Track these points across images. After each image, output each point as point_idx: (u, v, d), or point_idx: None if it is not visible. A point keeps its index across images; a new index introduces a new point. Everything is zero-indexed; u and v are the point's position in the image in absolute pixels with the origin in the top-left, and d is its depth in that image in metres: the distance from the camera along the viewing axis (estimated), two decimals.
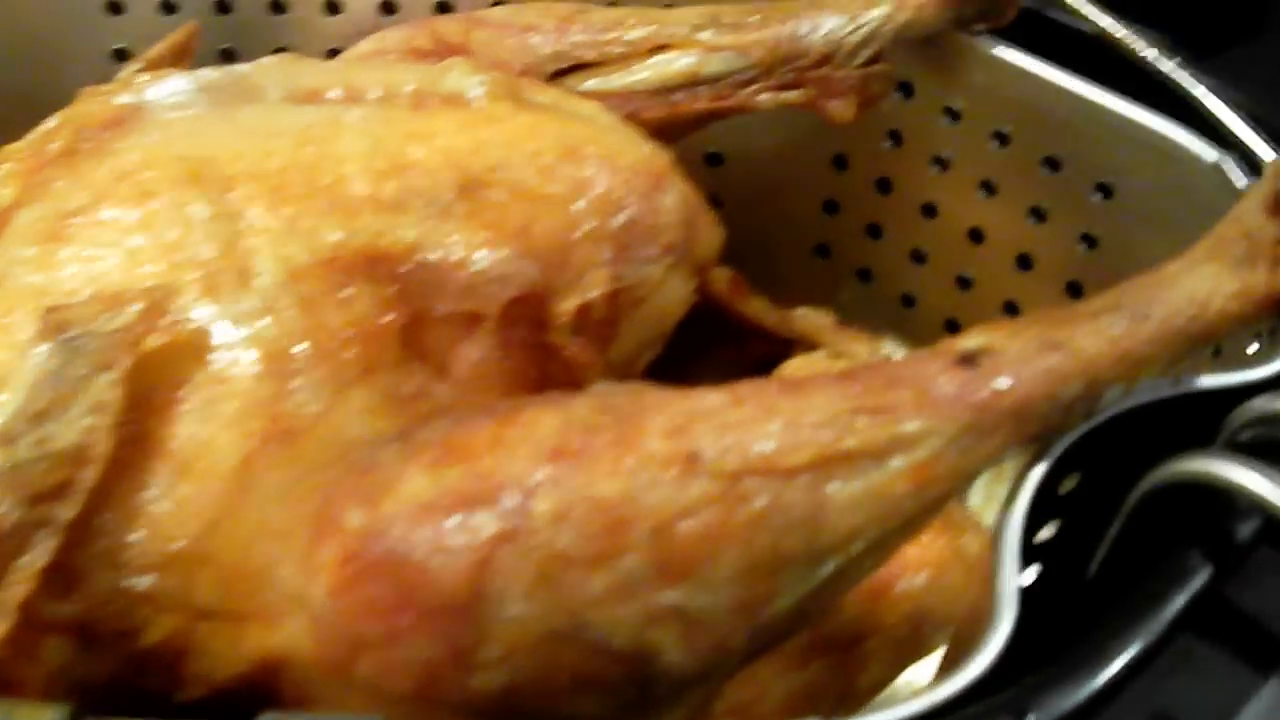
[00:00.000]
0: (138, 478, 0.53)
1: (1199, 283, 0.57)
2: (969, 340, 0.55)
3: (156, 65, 0.76)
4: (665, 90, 0.80)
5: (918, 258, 0.88)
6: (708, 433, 0.51)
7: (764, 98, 0.81)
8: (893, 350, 0.88)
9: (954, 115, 0.83)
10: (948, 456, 0.53)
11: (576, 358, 0.64)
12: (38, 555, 0.52)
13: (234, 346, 0.57)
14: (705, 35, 0.80)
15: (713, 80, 0.81)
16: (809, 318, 0.82)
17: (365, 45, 0.82)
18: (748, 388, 0.53)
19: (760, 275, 0.91)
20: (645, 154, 0.69)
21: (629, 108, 0.80)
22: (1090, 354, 0.55)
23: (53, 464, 0.52)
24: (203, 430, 0.55)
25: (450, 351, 0.62)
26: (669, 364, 0.78)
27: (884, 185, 0.88)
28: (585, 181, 0.66)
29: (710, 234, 0.72)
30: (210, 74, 0.67)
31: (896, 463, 0.52)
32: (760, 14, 0.81)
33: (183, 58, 0.77)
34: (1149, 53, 0.74)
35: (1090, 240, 0.79)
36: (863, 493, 0.51)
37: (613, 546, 0.49)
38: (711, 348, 0.81)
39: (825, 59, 0.80)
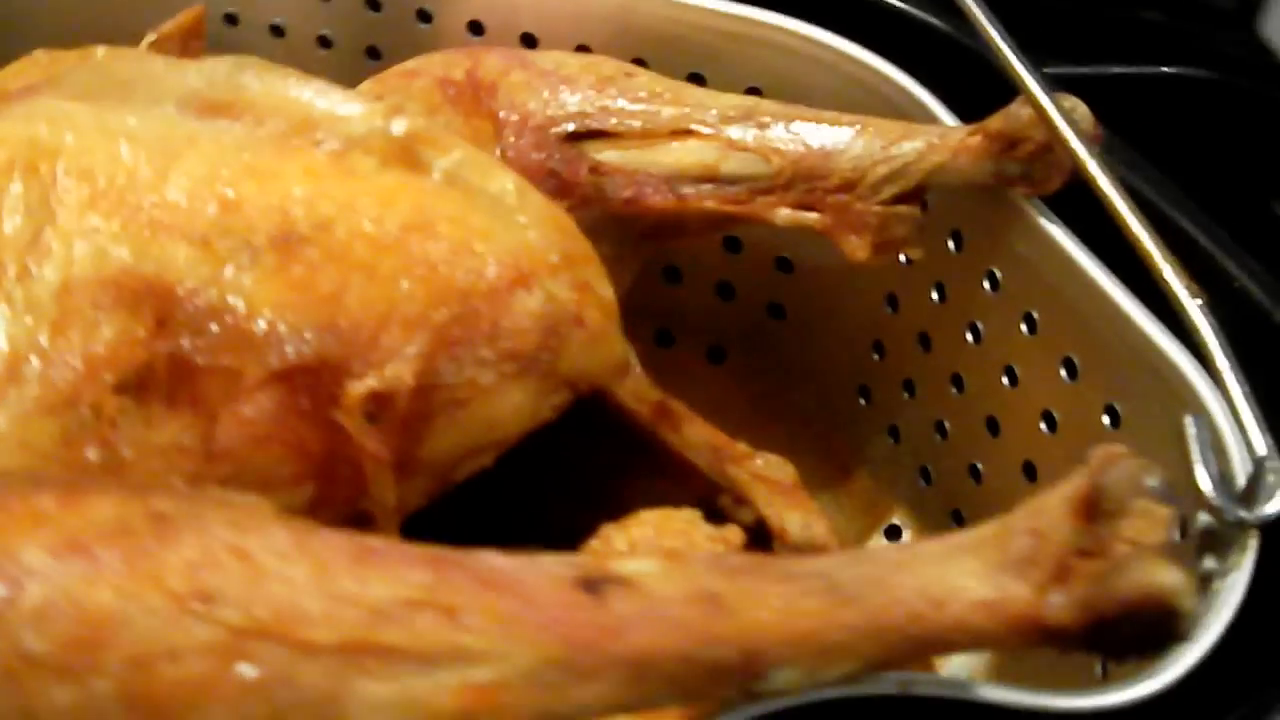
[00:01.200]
0: None
1: (943, 577, 0.46)
2: (617, 562, 0.47)
3: (163, 44, 0.75)
4: (677, 179, 0.73)
5: (940, 430, 0.77)
6: (239, 575, 0.45)
7: (780, 213, 0.73)
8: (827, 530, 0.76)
9: (994, 283, 0.72)
10: (518, 689, 0.44)
11: (366, 444, 0.59)
12: None
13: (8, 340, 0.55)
14: (733, 130, 0.73)
15: (729, 180, 0.73)
16: (756, 468, 0.72)
17: (408, 64, 0.79)
18: (327, 540, 0.47)
19: (805, 398, 0.83)
20: (522, 247, 0.62)
21: (632, 190, 0.74)
22: (758, 622, 0.45)
23: None
24: None
25: (221, 404, 0.58)
26: (596, 486, 0.72)
27: (924, 341, 0.78)
28: (419, 262, 0.60)
29: (594, 352, 0.64)
30: (133, 65, 0.66)
31: (446, 677, 0.44)
32: (797, 119, 0.72)
33: (193, 37, 0.76)
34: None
35: None
36: (397, 698, 0.44)
37: (83, 664, 0.44)
38: (648, 475, 0.73)
39: (848, 185, 0.71)
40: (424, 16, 0.86)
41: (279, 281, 0.58)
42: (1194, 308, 0.59)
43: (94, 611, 0.44)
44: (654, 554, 0.48)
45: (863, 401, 0.83)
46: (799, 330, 0.85)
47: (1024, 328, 0.70)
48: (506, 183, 0.65)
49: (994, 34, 0.66)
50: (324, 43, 0.89)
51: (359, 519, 0.61)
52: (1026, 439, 0.71)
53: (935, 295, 0.76)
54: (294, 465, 0.59)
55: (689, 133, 0.73)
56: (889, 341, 0.80)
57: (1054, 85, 0.67)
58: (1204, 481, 0.53)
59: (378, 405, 0.59)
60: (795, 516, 0.71)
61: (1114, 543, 0.45)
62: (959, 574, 0.46)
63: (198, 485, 0.57)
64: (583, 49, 0.82)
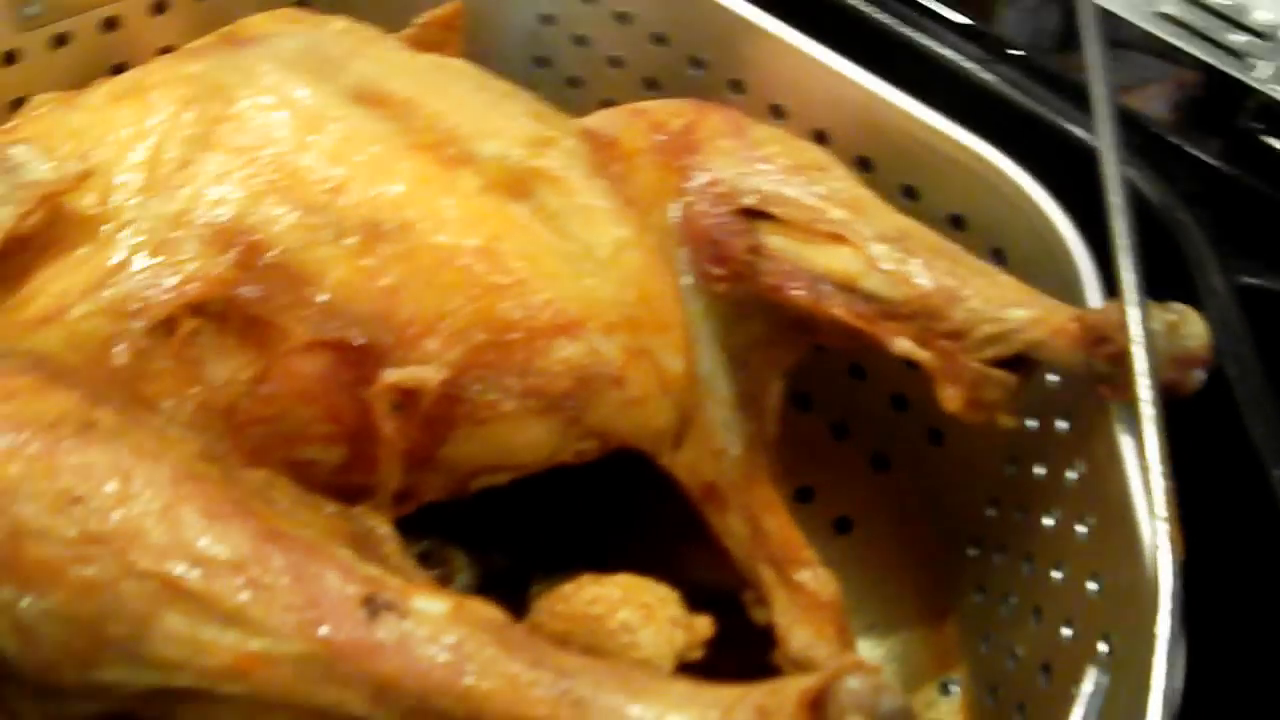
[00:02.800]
0: None
1: (668, 716, 0.47)
2: (416, 594, 0.51)
3: (420, 35, 0.83)
4: (821, 281, 0.75)
5: (1037, 615, 0.74)
6: (111, 491, 0.52)
7: (899, 342, 0.73)
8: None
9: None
10: (282, 670, 0.50)
11: (383, 428, 0.65)
12: None
13: (114, 242, 0.65)
14: (879, 249, 0.74)
15: (865, 296, 0.74)
16: (799, 577, 0.74)
17: (642, 104, 0.83)
18: (202, 488, 0.53)
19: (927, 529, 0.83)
20: (584, 298, 0.66)
21: (778, 280, 0.76)
22: (487, 695, 0.48)
23: None
24: (49, 281, 0.64)
25: (279, 355, 0.65)
26: (664, 532, 0.76)
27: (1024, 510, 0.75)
28: (477, 284, 0.65)
29: (629, 414, 0.68)
30: (347, 42, 0.74)
31: (229, 637, 0.50)
32: (938, 256, 0.72)
33: (449, 30, 0.84)
34: None
35: None
36: (188, 637, 0.51)
37: None
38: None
39: (958, 334, 0.71)
40: (696, 64, 0.90)
41: (352, 265, 0.64)
42: None
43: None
44: (452, 598, 0.51)
45: (973, 552, 0.81)
46: (948, 462, 0.84)
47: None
48: (607, 239, 0.69)
49: (1116, 227, 0.63)
50: (614, 63, 0.94)
51: (366, 491, 0.66)
52: None
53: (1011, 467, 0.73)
54: (328, 427, 0.65)
55: (844, 240, 0.74)
56: (1005, 498, 0.78)
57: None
58: None
59: (404, 398, 0.64)
60: (804, 634, 0.72)
61: None
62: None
63: (242, 419, 0.64)
64: (820, 134, 0.84)
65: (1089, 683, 0.52)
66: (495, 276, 0.65)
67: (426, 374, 0.64)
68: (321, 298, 0.64)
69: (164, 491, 0.52)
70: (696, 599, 0.68)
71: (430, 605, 0.50)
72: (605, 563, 0.68)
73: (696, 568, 0.75)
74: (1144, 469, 0.58)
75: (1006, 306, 0.69)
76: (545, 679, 0.48)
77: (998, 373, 0.69)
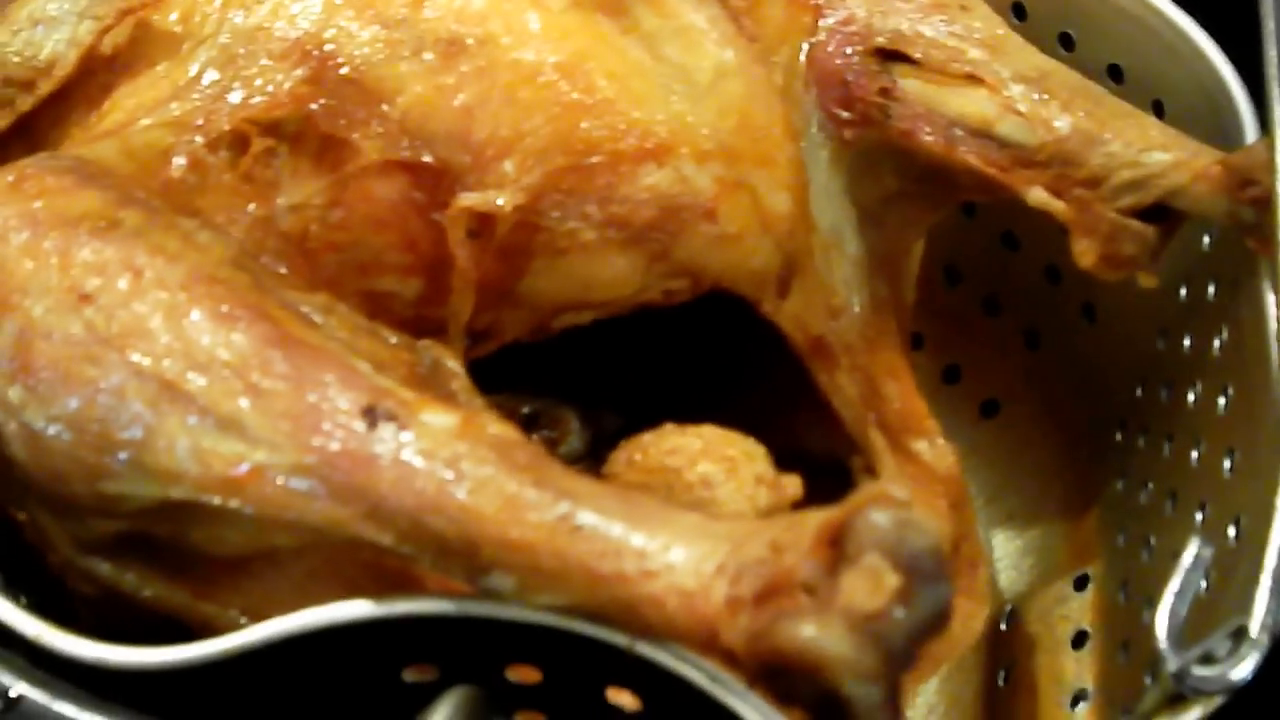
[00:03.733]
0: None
1: (670, 549, 0.43)
2: (422, 406, 0.47)
3: None
4: (955, 126, 0.68)
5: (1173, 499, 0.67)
6: (122, 291, 0.50)
7: (1034, 192, 0.67)
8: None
9: None
10: (277, 484, 0.47)
11: (458, 255, 0.61)
12: None
13: (190, 58, 0.62)
14: (1017, 90, 0.67)
15: (1000, 142, 0.67)
16: (915, 447, 0.68)
17: None
18: (213, 291, 0.50)
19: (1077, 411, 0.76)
20: (675, 123, 0.61)
21: (910, 124, 0.70)
22: (481, 514, 0.44)
23: (25, 61, 0.63)
24: (124, 97, 0.63)
25: (353, 178, 0.61)
26: (772, 394, 0.71)
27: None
28: (559, 103, 0.60)
29: (721, 251, 0.63)
30: None
31: (226, 445, 0.48)
32: (1079, 97, 0.65)
33: None
34: None
35: None
36: (186, 444, 0.48)
37: None
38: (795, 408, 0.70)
39: (1094, 181, 0.64)
40: None
41: (430, 82, 0.61)
42: None
43: (13, 276, 0.50)
44: (461, 411, 0.47)
45: (1119, 436, 0.73)
46: (1100, 339, 0.76)
47: None
48: (707, 63, 0.63)
49: (1269, 55, 0.55)
50: None
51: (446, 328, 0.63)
52: None
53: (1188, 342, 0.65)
54: (403, 255, 0.61)
55: (980, 81, 0.67)
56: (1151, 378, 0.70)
57: None
58: (1160, 625, 0.45)
59: (480, 223, 0.61)
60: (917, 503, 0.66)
61: (829, 589, 0.39)
62: (686, 554, 0.42)
63: (316, 246, 0.61)
64: None
65: (1189, 554, 0.45)
66: (577, 95, 0.60)
67: (501, 198, 0.60)
68: (396, 115, 0.61)
69: (174, 291, 0.49)
70: (808, 468, 0.63)
71: (437, 419, 0.47)
72: (711, 420, 0.63)
73: (811, 434, 0.70)
74: None
75: (1147, 150, 0.62)
76: (544, 501, 0.44)
77: (1135, 223, 0.62)
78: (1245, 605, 0.47)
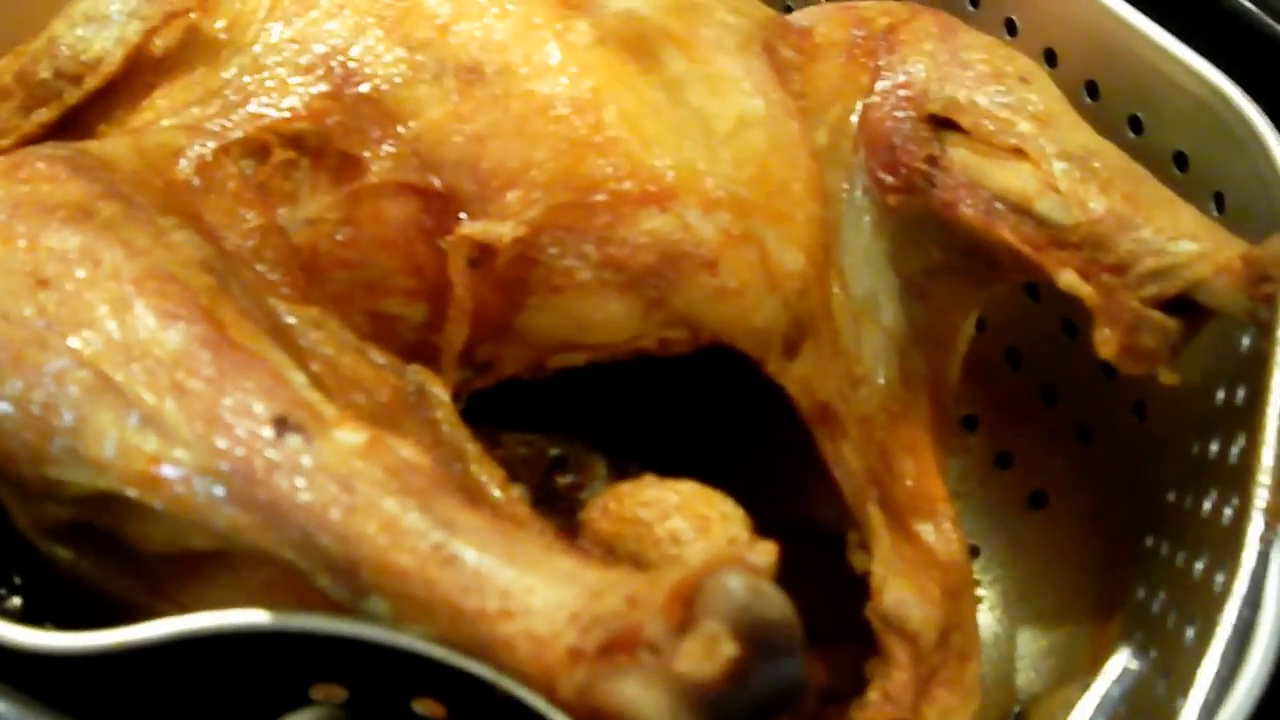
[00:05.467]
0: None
1: (533, 593, 0.41)
2: (337, 423, 0.47)
3: None
4: (996, 200, 0.66)
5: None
6: (75, 279, 0.50)
7: (1065, 274, 0.64)
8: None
9: None
10: (186, 484, 0.47)
11: (456, 282, 0.61)
12: (44, 113, 0.66)
13: (224, 65, 0.63)
14: (1059, 166, 0.64)
15: (1038, 220, 0.65)
16: (918, 528, 0.66)
17: (850, 2, 0.76)
18: (163, 288, 0.51)
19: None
20: (684, 169, 0.60)
21: (952, 195, 0.67)
22: (365, 537, 0.44)
23: (75, 55, 0.66)
24: (159, 98, 0.64)
25: (365, 196, 0.62)
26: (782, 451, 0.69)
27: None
28: (567, 138, 0.60)
29: (720, 304, 0.61)
30: None
31: (147, 441, 0.48)
32: (1124, 179, 0.62)
33: None
34: None
35: None
36: (113, 436, 0.48)
37: None
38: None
39: (1121, 267, 0.61)
40: None
41: (446, 107, 0.61)
42: None
43: None
44: (372, 431, 0.47)
45: (1149, 541, 0.69)
46: (1150, 439, 0.72)
47: None
48: (730, 112, 0.62)
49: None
50: None
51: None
52: None
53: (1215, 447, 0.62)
54: (409, 279, 0.61)
55: (1025, 155, 0.65)
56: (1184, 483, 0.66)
57: None
58: None
59: (480, 253, 0.60)
60: (901, 589, 0.64)
61: (670, 650, 0.37)
62: (546, 598, 0.41)
63: (325, 262, 0.61)
64: (1049, 53, 0.74)
65: (1115, 667, 0.42)
66: (586, 131, 0.60)
67: (502, 229, 0.60)
68: (410, 138, 0.61)
69: (124, 285, 0.50)
70: (805, 536, 0.61)
71: (347, 436, 0.46)
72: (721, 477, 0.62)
73: (821, 503, 0.68)
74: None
75: (1176, 238, 0.59)
76: (422, 528, 0.43)
77: (1157, 315, 0.59)
78: None
